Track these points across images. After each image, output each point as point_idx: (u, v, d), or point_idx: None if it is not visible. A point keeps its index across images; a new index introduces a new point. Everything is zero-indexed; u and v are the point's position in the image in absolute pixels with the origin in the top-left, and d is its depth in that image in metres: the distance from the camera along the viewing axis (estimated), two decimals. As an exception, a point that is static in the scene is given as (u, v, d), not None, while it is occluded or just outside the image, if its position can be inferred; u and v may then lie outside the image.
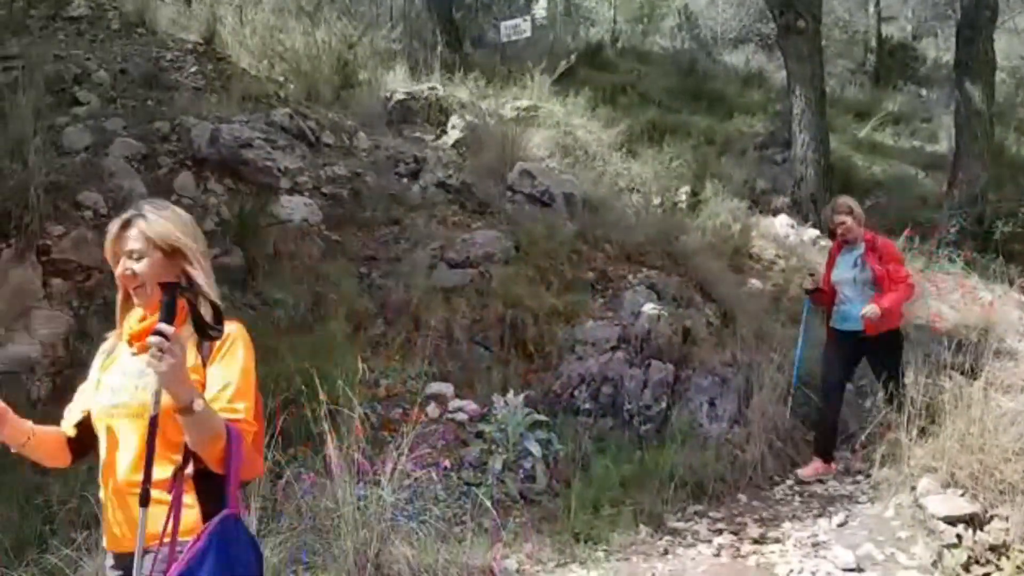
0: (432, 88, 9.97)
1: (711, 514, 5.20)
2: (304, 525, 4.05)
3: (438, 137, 9.20)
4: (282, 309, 6.02)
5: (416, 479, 4.51)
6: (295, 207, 6.87)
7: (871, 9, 21.04)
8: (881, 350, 5.63)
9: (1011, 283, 9.53)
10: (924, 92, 19.86)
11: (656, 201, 9.36)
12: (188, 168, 6.75)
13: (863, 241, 5.69)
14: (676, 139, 11.61)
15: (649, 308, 6.44)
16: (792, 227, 10.19)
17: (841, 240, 5.79)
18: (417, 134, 9.25)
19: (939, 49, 21.78)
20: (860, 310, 5.43)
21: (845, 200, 5.82)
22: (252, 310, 5.92)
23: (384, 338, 6.10)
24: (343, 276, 6.46)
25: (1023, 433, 4.53)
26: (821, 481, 5.74)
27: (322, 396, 4.05)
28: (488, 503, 4.68)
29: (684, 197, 9.96)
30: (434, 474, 4.93)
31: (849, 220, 5.67)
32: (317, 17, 10.22)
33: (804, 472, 5.75)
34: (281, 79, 9.01)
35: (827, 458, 5.79)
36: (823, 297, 5.95)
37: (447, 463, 5.13)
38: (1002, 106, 16.40)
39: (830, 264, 5.93)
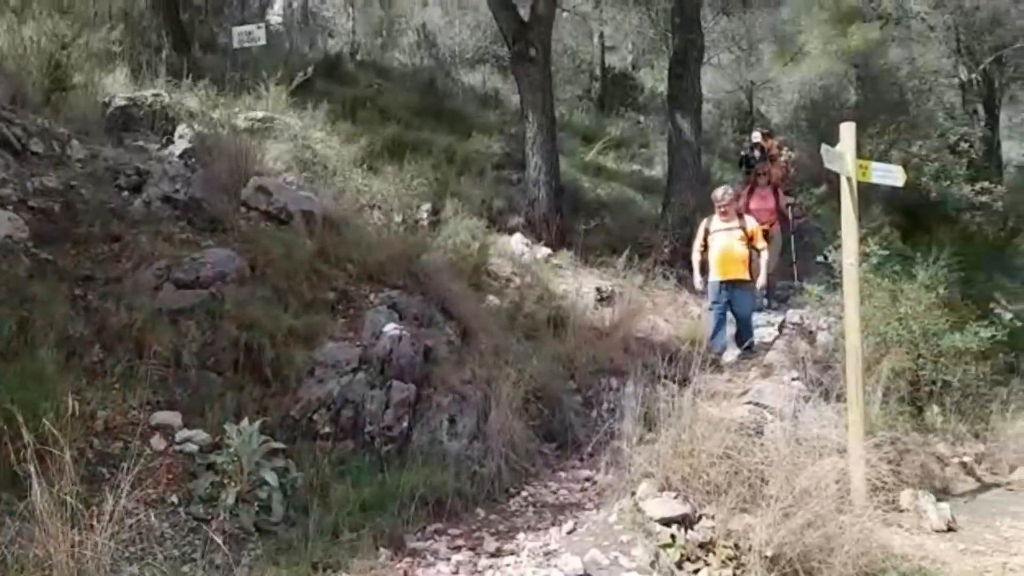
0: (157, 94, 9.35)
1: (450, 531, 5.28)
2: (10, 578, 3.64)
3: (164, 147, 8.63)
4: (-20, 336, 5.36)
5: (139, 518, 4.22)
6: (-4, 222, 6.15)
7: (595, 40, 22.62)
8: None
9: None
10: (642, 119, 21.60)
11: (398, 219, 9.40)
12: None
13: None
14: (417, 156, 11.75)
15: (391, 328, 6.45)
16: (527, 245, 10.69)
17: None
18: (140, 143, 8.62)
19: (655, 80, 23.79)
20: None
21: None
22: (-57, 337, 5.23)
23: (102, 366, 5.60)
24: (54, 298, 5.84)
25: (725, 438, 5.03)
26: (553, 491, 6.03)
27: (28, 434, 3.67)
28: (219, 538, 4.46)
29: (425, 215, 10.11)
30: (160, 511, 4.64)
31: None
32: (24, 13, 9.24)
33: None
34: (-20, 78, 8.05)
35: None
36: None
37: (174, 498, 4.84)
38: (709, 135, 18.25)
39: None
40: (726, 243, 8.61)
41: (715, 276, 8.66)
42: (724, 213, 8.73)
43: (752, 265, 8.62)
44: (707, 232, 8.83)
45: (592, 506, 5.59)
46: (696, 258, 8.91)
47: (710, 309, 8.78)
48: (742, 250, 8.57)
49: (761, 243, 8.73)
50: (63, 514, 3.70)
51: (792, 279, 10.83)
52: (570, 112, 19.14)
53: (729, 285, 8.53)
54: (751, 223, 8.80)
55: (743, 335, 8.53)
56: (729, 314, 8.65)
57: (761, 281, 8.74)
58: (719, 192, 8.93)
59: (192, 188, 7.46)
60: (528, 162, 11.79)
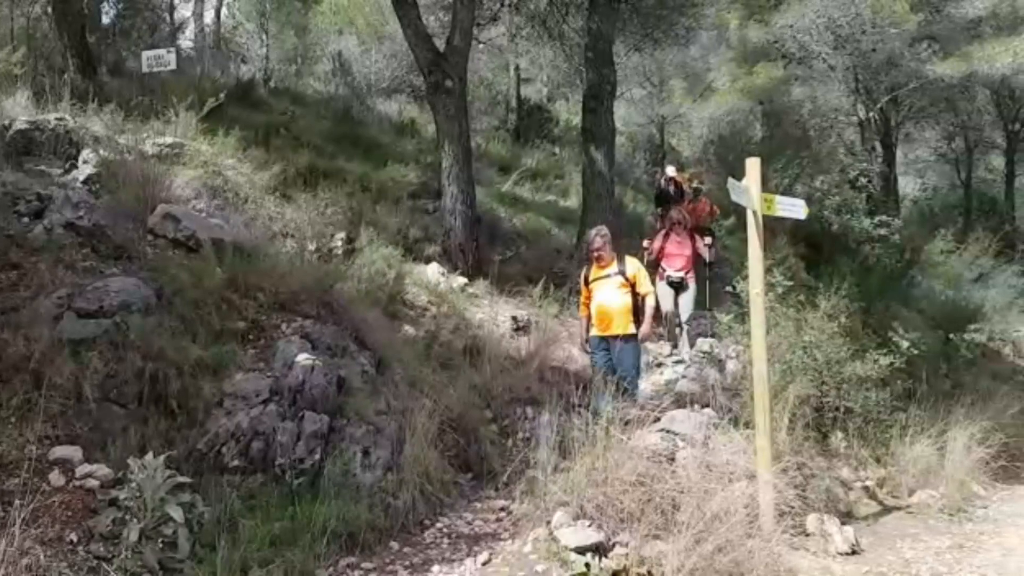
0: (61, 118, 9.03)
1: (363, 565, 5.19)
2: None
3: (67, 172, 8.33)
4: None
5: (34, 559, 4.03)
6: None
7: (511, 72, 22.90)
8: None
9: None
10: (558, 151, 21.93)
11: (311, 247, 9.28)
12: None
13: None
14: (331, 184, 11.65)
15: (303, 358, 6.33)
16: (443, 275, 10.68)
17: None
18: (42, 168, 8.30)
19: (570, 112, 24.21)
20: None
21: None
22: None
23: (-3, 399, 5.35)
24: (-56, 329, 5.58)
25: (638, 466, 5.09)
26: (468, 521, 5.99)
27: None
28: (120, 578, 4.29)
29: (340, 244, 10.01)
30: (57, 551, 4.43)
31: None
32: (-84, 30, 8.85)
33: None
34: None
35: None
36: None
37: (73, 537, 4.63)
38: (622, 167, 18.64)
39: None
40: (605, 294, 7.73)
41: (594, 331, 7.84)
42: (599, 259, 7.80)
43: (638, 313, 7.71)
44: (586, 282, 7.98)
45: (508, 536, 5.56)
46: (583, 312, 8.10)
47: (592, 365, 7.87)
48: (623, 299, 7.65)
49: (645, 287, 7.75)
50: (-50, 557, 3.52)
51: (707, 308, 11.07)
52: (486, 142, 19.30)
53: (610, 340, 7.70)
54: (632, 266, 7.78)
55: (626, 392, 7.07)
56: None
57: (644, 330, 7.71)
58: (591, 235, 7.98)
59: (96, 214, 7.22)
60: (444, 191, 11.81)
